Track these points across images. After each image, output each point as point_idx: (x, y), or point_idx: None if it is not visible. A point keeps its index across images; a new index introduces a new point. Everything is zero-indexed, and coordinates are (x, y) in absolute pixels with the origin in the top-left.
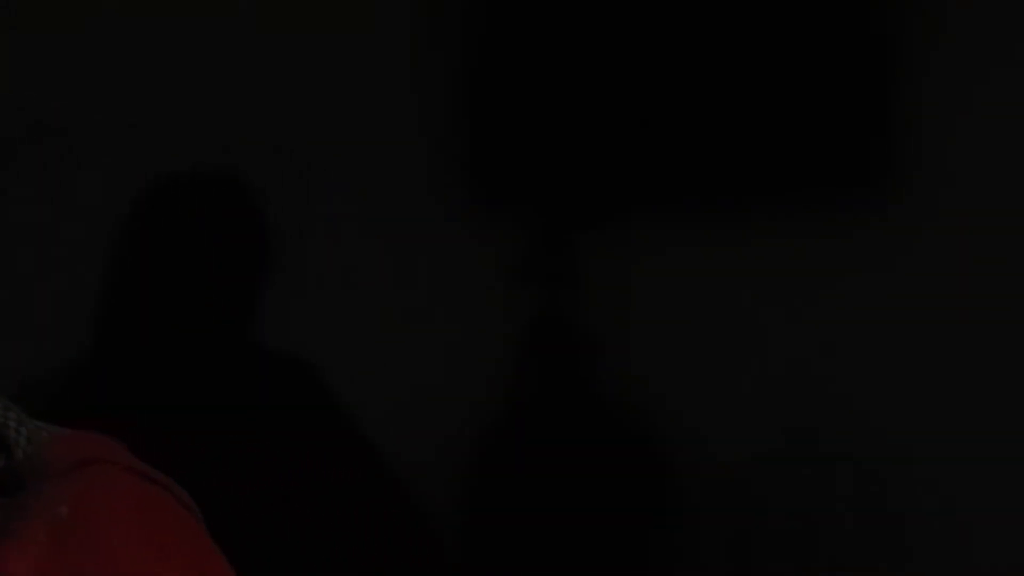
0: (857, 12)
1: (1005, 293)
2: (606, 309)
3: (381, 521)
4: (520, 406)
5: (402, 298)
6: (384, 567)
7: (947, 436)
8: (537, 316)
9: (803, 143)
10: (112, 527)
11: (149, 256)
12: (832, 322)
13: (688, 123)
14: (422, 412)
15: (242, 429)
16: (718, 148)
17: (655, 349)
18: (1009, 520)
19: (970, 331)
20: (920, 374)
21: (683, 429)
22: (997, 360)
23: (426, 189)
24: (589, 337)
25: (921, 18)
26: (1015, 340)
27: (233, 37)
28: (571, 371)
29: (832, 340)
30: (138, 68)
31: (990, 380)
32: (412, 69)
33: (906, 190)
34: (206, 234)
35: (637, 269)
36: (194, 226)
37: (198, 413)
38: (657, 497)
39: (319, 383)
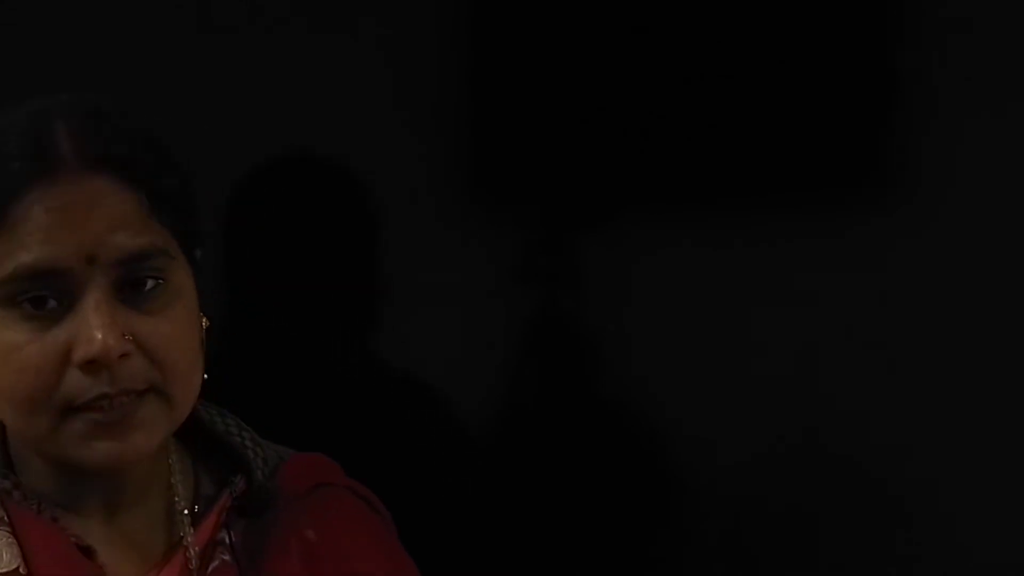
0: (857, 11)
1: (1006, 293)
2: (606, 309)
3: None
4: (520, 406)
5: (401, 298)
6: None
7: (948, 436)
8: (537, 316)
9: (803, 143)
10: (354, 547)
11: None
12: (832, 322)
13: (688, 123)
14: (421, 412)
15: None
16: (718, 148)
17: (655, 349)
18: (1009, 521)
19: (971, 331)
20: (920, 374)
21: (683, 429)
22: (998, 360)
23: (426, 189)
24: (589, 337)
25: (922, 17)
26: (1016, 340)
27: (232, 36)
28: (571, 371)
29: (832, 340)
30: (139, 69)
31: (991, 380)
32: (412, 69)
33: (906, 190)
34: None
35: (637, 269)
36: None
37: None
38: (657, 497)
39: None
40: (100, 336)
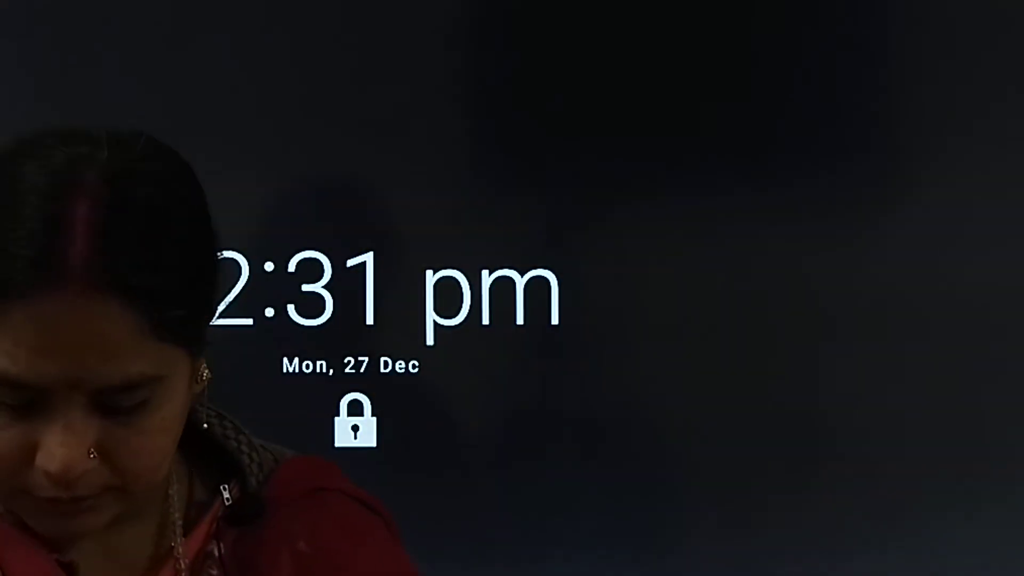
0: (857, 10)
1: (1006, 291)
2: (606, 309)
3: None
4: (521, 406)
5: (401, 296)
6: None
7: (948, 436)
8: (537, 317)
9: (805, 144)
10: (349, 556)
11: None
12: (832, 321)
13: (690, 123)
14: (421, 412)
15: None
16: (720, 148)
17: (655, 349)
18: (1009, 520)
19: (972, 330)
20: (922, 374)
21: (683, 429)
22: (998, 360)
23: (428, 189)
24: (589, 337)
25: (923, 16)
26: (1016, 340)
27: (235, 37)
28: (571, 372)
29: (832, 339)
30: (142, 70)
31: (991, 380)
32: (414, 70)
33: (907, 189)
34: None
35: (637, 269)
36: None
37: None
38: (656, 496)
39: None
40: (63, 455)
